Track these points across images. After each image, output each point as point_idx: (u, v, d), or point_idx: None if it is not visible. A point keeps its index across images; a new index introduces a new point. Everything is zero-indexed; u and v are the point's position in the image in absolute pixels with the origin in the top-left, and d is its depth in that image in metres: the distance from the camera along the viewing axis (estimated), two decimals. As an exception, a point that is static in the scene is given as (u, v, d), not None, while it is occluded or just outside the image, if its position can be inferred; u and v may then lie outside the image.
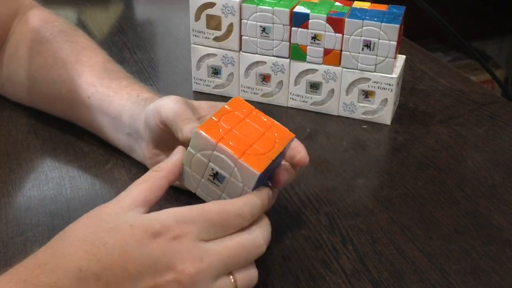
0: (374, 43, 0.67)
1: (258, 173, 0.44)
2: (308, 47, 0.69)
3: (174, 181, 0.46)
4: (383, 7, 0.69)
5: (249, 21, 0.70)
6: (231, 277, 0.43)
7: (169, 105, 0.52)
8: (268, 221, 0.46)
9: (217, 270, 0.42)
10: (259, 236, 0.44)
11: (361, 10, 0.68)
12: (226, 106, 0.48)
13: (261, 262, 0.50)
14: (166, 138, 0.53)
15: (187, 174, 0.47)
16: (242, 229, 0.44)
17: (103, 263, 0.39)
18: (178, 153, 0.47)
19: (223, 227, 0.43)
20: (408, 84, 0.80)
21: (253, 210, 0.44)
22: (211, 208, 0.43)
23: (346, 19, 0.67)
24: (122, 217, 0.41)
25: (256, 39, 0.71)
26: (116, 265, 0.39)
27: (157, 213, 0.42)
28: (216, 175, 0.46)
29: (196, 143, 0.46)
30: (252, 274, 0.44)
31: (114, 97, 0.60)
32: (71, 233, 0.41)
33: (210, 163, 0.46)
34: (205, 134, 0.45)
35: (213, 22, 0.72)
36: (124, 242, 0.40)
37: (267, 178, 0.48)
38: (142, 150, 0.58)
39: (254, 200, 0.45)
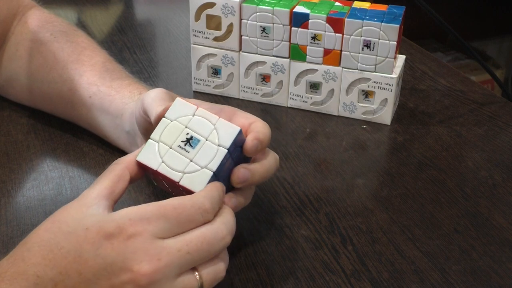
0: (374, 43, 0.67)
1: (238, 128, 0.46)
2: (308, 47, 0.69)
3: (134, 172, 0.46)
4: (383, 7, 0.69)
5: (249, 21, 0.70)
6: (196, 273, 0.42)
7: (150, 94, 0.52)
8: (231, 212, 0.45)
9: (178, 268, 0.40)
10: (221, 227, 0.42)
11: (361, 10, 0.68)
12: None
13: (261, 262, 0.50)
14: None
15: (151, 149, 0.46)
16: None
17: (59, 268, 0.39)
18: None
19: (180, 223, 0.41)
20: (408, 84, 0.80)
21: (213, 202, 0.43)
22: (168, 204, 0.42)
23: (346, 19, 0.67)
24: (81, 220, 0.41)
25: (256, 39, 0.71)
26: (71, 269, 0.39)
27: (112, 213, 0.41)
28: (189, 140, 0.46)
29: (174, 110, 0.47)
30: (218, 268, 0.43)
31: (115, 96, 0.60)
32: (32, 239, 0.41)
33: (186, 128, 0.46)
34: (185, 101, 0.47)
35: (213, 22, 0.72)
36: (78, 245, 0.39)
37: (227, 180, 0.47)
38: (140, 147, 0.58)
39: (213, 192, 0.44)
